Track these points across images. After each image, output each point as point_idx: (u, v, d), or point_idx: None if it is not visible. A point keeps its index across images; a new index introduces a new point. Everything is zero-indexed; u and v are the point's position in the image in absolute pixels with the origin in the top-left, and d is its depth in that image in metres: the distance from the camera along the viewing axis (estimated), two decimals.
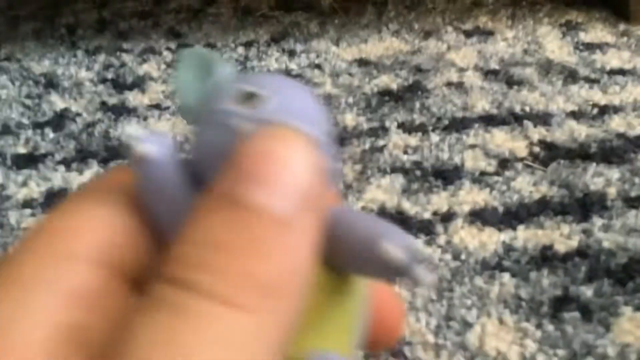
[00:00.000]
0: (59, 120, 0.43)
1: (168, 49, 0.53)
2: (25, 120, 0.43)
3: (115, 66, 0.51)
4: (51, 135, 0.42)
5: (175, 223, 0.14)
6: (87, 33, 0.56)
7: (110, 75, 0.50)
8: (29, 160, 0.39)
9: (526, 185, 0.36)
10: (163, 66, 0.51)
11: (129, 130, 0.14)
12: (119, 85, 0.48)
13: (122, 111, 0.44)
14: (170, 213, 0.15)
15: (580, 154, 0.39)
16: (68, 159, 0.39)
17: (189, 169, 0.15)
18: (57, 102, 0.46)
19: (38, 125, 0.43)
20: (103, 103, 0.46)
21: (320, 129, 0.14)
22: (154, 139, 0.14)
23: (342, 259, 0.15)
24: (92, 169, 0.38)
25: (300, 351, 0.15)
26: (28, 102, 0.46)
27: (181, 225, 0.13)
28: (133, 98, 0.46)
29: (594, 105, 0.45)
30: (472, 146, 0.40)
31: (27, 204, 0.36)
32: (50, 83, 0.48)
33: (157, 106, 0.45)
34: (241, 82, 0.14)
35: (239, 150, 0.13)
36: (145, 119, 0.43)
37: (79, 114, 0.44)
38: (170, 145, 0.15)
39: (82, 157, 0.39)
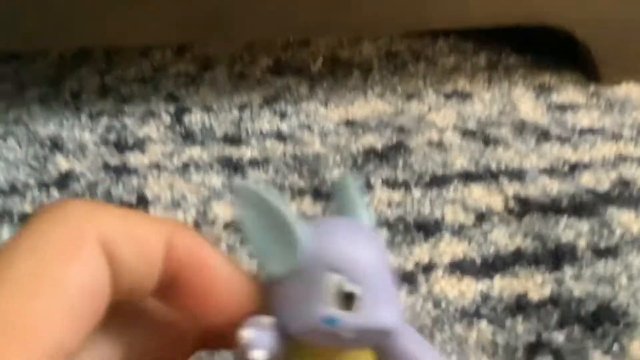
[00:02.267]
0: (64, 180, 0.46)
1: (167, 112, 0.56)
2: (31, 181, 0.46)
3: (117, 128, 0.53)
4: (56, 194, 0.44)
5: None
6: (90, 98, 0.59)
7: (112, 137, 0.52)
8: None
9: (502, 238, 0.39)
10: (162, 128, 0.54)
11: (245, 336, 0.16)
12: (121, 147, 0.50)
13: (123, 171, 0.47)
14: None
15: (552, 207, 0.42)
16: None
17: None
18: (62, 163, 0.48)
19: (44, 185, 0.45)
20: (105, 164, 0.48)
21: (398, 306, 0.17)
22: (262, 336, 0.16)
23: None
24: None
25: None
26: (34, 163, 0.48)
27: None
28: (134, 159, 0.49)
29: (565, 162, 0.48)
30: (452, 201, 0.42)
31: None
32: (56, 145, 0.51)
33: (156, 166, 0.48)
34: (332, 269, 0.16)
35: None
36: (145, 177, 0.46)
37: (82, 174, 0.46)
38: (274, 335, 0.17)
39: None
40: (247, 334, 0.16)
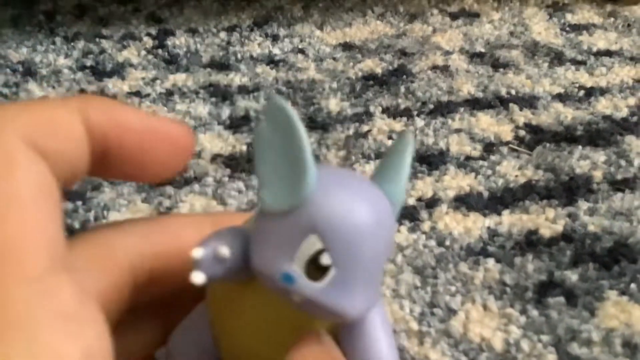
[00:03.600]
0: None
1: (148, 34, 0.52)
2: None
3: (94, 53, 0.50)
4: None
5: None
6: (66, 19, 0.55)
7: (89, 62, 0.49)
8: None
9: (511, 170, 0.36)
10: (143, 52, 0.50)
11: (195, 255, 0.16)
12: (98, 72, 0.47)
13: None
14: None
15: (566, 136, 0.39)
16: None
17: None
18: (35, 90, 0.45)
19: None
20: (82, 91, 0.45)
21: (370, 297, 0.16)
22: (212, 264, 0.16)
23: None
24: None
25: None
26: (5, 90, 0.45)
27: None
28: (112, 85, 0.45)
29: (580, 87, 0.44)
30: (458, 130, 0.39)
31: None
32: (28, 71, 0.47)
33: (137, 93, 0.44)
34: (319, 236, 0.15)
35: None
36: None
37: None
38: (228, 266, 0.16)
39: None
40: (197, 254, 0.16)
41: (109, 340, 0.14)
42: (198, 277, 0.15)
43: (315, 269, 0.15)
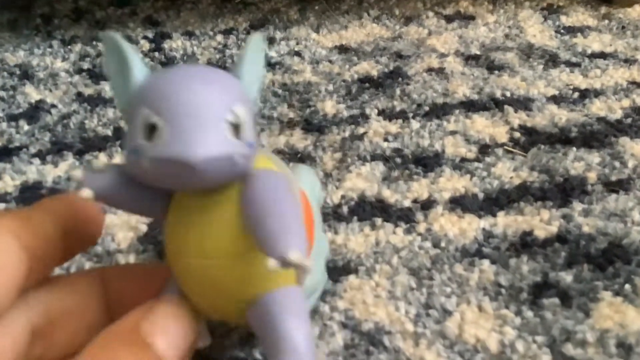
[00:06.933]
0: (34, 112, 0.42)
1: (145, 37, 0.52)
2: None
3: (91, 56, 0.50)
4: (26, 127, 0.41)
5: (147, 207, 0.20)
6: (63, 22, 0.55)
7: (86, 65, 0.49)
8: (3, 154, 0.38)
9: (506, 171, 0.36)
10: (140, 55, 0.50)
11: (75, 176, 0.19)
12: (95, 76, 0.47)
13: (98, 102, 0.44)
14: (136, 207, 0.20)
15: (560, 138, 0.39)
16: (43, 152, 0.38)
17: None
18: (32, 93, 0.45)
19: (12, 118, 0.42)
20: (79, 94, 0.45)
21: (218, 144, 0.17)
22: (93, 178, 0.19)
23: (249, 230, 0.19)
24: (68, 161, 0.37)
25: (250, 296, 0.20)
26: (2, 93, 0.45)
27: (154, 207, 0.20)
28: (109, 88, 0.45)
29: (575, 89, 0.45)
30: (453, 132, 0.40)
31: (2, 197, 0.35)
32: (25, 74, 0.47)
33: None
34: (147, 105, 0.18)
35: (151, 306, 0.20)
36: None
37: (54, 106, 0.43)
38: (108, 177, 0.19)
39: (57, 149, 0.39)
40: (76, 174, 0.19)
41: None
42: (85, 192, 0.18)
43: (148, 131, 0.17)
